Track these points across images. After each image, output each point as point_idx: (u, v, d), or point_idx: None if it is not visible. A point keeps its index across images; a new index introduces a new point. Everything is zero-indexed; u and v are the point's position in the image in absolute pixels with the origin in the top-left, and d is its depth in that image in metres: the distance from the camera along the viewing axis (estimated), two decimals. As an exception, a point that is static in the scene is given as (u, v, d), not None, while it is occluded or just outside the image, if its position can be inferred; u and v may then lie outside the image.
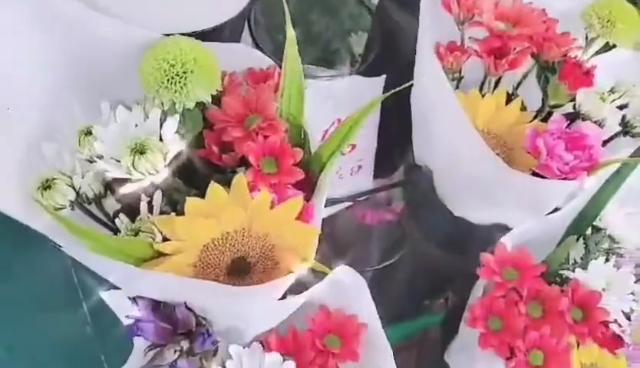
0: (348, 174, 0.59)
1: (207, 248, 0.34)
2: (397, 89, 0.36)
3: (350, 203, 0.60)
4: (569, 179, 0.41)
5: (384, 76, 0.48)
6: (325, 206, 0.60)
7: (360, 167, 0.59)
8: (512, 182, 0.42)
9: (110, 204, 0.37)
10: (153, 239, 0.32)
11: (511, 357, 0.46)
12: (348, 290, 0.42)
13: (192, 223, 0.32)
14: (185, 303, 0.34)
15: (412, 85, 0.45)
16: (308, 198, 0.38)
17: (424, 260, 0.59)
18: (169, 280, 0.31)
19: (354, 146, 0.56)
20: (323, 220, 0.41)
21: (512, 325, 0.46)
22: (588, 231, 0.51)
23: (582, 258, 0.51)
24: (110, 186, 0.38)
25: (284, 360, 0.39)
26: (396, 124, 0.56)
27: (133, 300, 0.35)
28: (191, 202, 0.32)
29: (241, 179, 0.33)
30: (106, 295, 0.36)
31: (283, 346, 0.41)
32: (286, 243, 0.35)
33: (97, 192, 0.37)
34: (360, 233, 0.60)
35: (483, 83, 0.47)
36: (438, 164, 0.48)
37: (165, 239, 0.33)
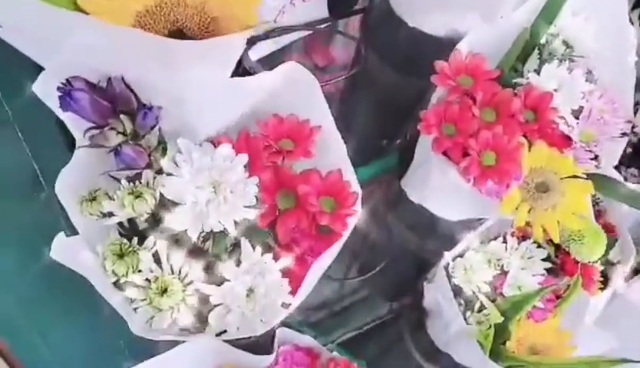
0: (301, 0, 0.56)
1: (140, 16, 0.31)
2: None
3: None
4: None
5: None
6: (280, 35, 0.58)
7: (312, -7, 0.56)
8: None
9: None
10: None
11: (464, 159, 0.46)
12: (300, 88, 0.41)
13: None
14: (122, 78, 0.32)
15: None
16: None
17: (381, 87, 0.58)
18: (103, 29, 0.28)
19: (304, -36, 0.53)
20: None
21: (465, 129, 0.47)
22: (543, 40, 0.50)
23: (535, 70, 0.51)
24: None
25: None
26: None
27: (66, 81, 0.32)
28: (115, -49, 0.29)
29: None
30: (36, 86, 0.34)
31: (235, 147, 0.41)
32: (226, 13, 0.33)
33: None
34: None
35: None
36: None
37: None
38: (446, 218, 0.57)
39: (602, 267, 0.70)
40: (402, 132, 0.66)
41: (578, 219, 0.49)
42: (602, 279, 0.71)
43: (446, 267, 0.58)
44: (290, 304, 0.38)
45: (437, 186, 0.52)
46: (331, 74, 0.71)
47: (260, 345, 0.57)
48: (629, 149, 0.88)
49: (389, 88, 0.59)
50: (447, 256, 0.56)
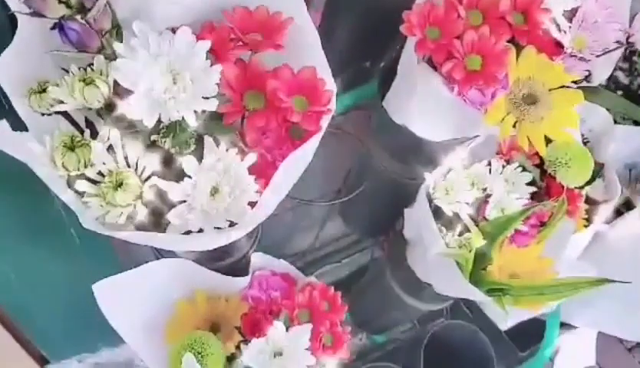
0: None
1: None
2: None
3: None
4: None
5: None
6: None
7: None
8: None
9: None
10: None
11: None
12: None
13: None
14: None
15: None
16: None
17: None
18: None
19: None
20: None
21: (450, 31, 0.43)
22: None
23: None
24: None
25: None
26: None
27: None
28: None
29: None
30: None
31: (198, 37, 0.37)
32: None
33: None
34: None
35: None
36: None
37: None
38: (429, 140, 0.55)
39: (586, 206, 0.69)
40: (387, 51, 0.63)
41: (565, 133, 0.47)
42: (586, 217, 0.70)
43: (427, 191, 0.56)
44: (256, 203, 0.35)
45: (420, 100, 0.49)
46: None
47: (236, 270, 0.56)
48: (619, 92, 0.86)
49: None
50: (429, 177, 0.54)
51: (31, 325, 0.88)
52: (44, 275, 0.79)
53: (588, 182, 0.60)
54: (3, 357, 0.94)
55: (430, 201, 0.55)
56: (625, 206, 0.79)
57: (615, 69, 0.64)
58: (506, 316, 0.53)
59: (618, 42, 0.46)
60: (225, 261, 0.54)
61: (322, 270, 0.79)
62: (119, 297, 0.47)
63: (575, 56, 0.44)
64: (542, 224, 0.59)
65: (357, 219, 0.80)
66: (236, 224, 0.36)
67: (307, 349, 0.48)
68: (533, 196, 0.58)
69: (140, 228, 0.34)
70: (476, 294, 0.53)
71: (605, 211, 0.73)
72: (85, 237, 0.73)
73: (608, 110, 0.52)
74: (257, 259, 0.56)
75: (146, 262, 0.50)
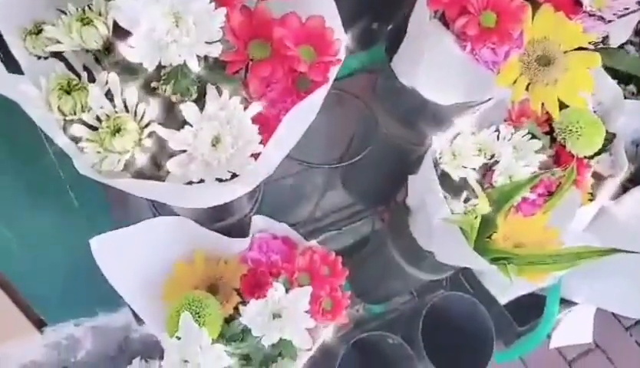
0: None
1: None
2: None
3: None
4: None
5: None
6: None
7: None
8: None
9: None
10: None
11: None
12: None
13: None
14: None
15: None
16: None
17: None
18: None
19: None
20: None
21: (465, -15, 0.42)
22: None
23: None
24: None
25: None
26: None
27: None
28: None
29: None
30: None
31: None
32: None
33: None
34: None
35: None
36: None
37: None
38: (436, 104, 0.53)
39: (591, 181, 0.67)
40: (395, 12, 0.60)
41: (579, 97, 0.45)
42: (590, 191, 0.69)
43: (434, 156, 0.54)
44: (260, 154, 0.34)
45: (430, 60, 0.48)
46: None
47: (236, 232, 0.55)
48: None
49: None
50: (435, 141, 0.52)
51: (29, 289, 0.88)
52: (43, 240, 0.78)
53: (599, 152, 0.59)
54: (1, 320, 0.94)
55: (436, 166, 0.54)
56: (630, 182, 0.78)
57: (625, 43, 0.63)
58: (511, 284, 0.52)
59: (639, 2, 0.44)
60: (226, 221, 0.53)
61: (323, 237, 0.78)
62: (116, 252, 0.46)
63: (594, 15, 0.42)
64: (550, 193, 0.58)
65: (359, 187, 0.79)
66: (238, 176, 0.35)
67: (306, 312, 0.47)
68: (541, 166, 0.57)
69: (138, 176, 0.33)
70: (479, 262, 0.52)
71: (610, 185, 0.72)
72: (84, 201, 0.73)
73: (624, 72, 0.50)
74: (258, 221, 0.55)
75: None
